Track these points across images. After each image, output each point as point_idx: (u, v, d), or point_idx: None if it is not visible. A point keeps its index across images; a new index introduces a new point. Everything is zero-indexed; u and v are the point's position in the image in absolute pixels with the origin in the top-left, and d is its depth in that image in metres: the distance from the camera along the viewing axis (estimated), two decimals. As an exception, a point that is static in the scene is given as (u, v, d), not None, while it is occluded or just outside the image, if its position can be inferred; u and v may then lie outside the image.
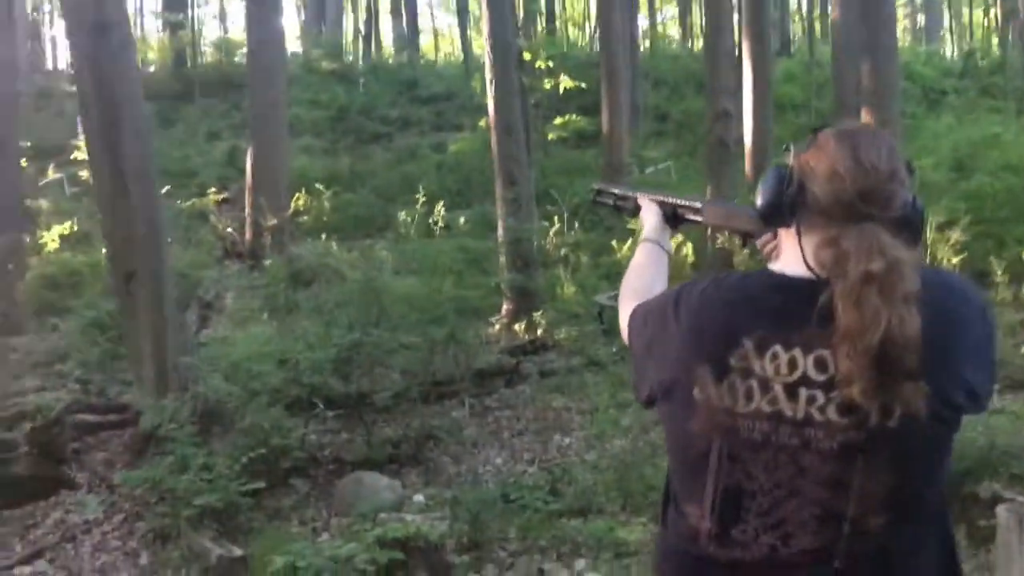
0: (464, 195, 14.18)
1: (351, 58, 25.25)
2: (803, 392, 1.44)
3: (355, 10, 29.64)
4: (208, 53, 25.50)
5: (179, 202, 14.73)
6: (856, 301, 1.37)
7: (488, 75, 8.96)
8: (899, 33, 25.70)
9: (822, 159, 1.50)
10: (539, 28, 21.92)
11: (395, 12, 27.73)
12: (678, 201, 2.08)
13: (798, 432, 1.45)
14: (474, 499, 5.24)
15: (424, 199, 12.38)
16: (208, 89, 20.84)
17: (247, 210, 12.46)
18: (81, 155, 14.65)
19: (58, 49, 29.11)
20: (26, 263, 10.18)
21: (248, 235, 12.40)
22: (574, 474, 5.81)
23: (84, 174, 14.74)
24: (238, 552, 4.94)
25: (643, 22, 26.60)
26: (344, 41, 26.75)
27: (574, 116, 14.10)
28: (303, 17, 28.66)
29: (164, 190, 14.78)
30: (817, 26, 22.84)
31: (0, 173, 10.61)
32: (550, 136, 14.60)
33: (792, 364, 1.45)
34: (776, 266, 1.59)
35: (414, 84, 22.09)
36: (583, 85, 13.54)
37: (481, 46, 16.07)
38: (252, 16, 12.53)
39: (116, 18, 5.49)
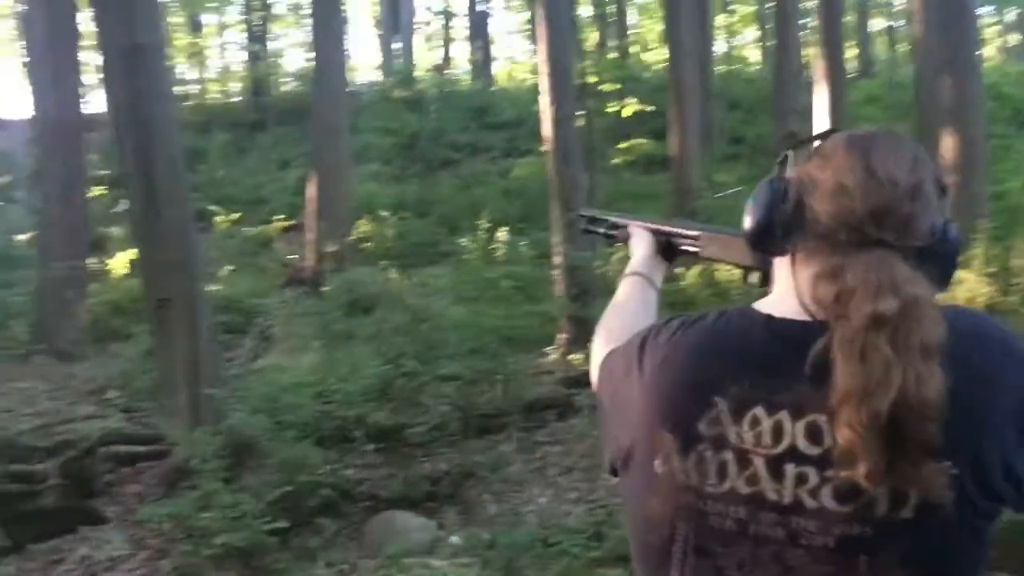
0: (529, 220, 13.94)
1: (425, 85, 25.35)
2: (791, 469, 1.12)
3: (426, 41, 29.89)
4: (288, 83, 25.98)
5: (245, 229, 14.90)
6: (861, 352, 1.05)
7: (545, 98, 8.69)
8: (989, 52, 24.71)
9: (827, 170, 1.19)
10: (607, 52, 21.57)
11: (470, 39, 27.80)
12: (673, 229, 1.75)
13: (783, 521, 1.12)
14: (509, 544, 4.91)
15: (487, 225, 12.18)
16: (283, 117, 21.13)
17: (309, 236, 12.45)
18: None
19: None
20: (86, 291, 10.22)
21: (310, 261, 12.37)
22: (620, 517, 5.44)
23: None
24: (258, 595, 4.72)
25: (723, 45, 26.26)
26: (418, 69, 26.92)
27: (641, 140, 13.74)
28: (380, 46, 29.00)
29: (234, 217, 15.13)
30: (900, 47, 22.09)
31: (68, 202, 10.76)
32: (616, 160, 14.26)
33: (777, 432, 1.12)
34: (764, 304, 1.25)
35: (485, 111, 22.03)
36: (649, 108, 13.17)
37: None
38: (317, 43, 12.55)
39: (150, 41, 5.39)
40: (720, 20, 25.77)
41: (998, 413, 1.10)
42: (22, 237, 13.70)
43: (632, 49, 24.87)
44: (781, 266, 1.26)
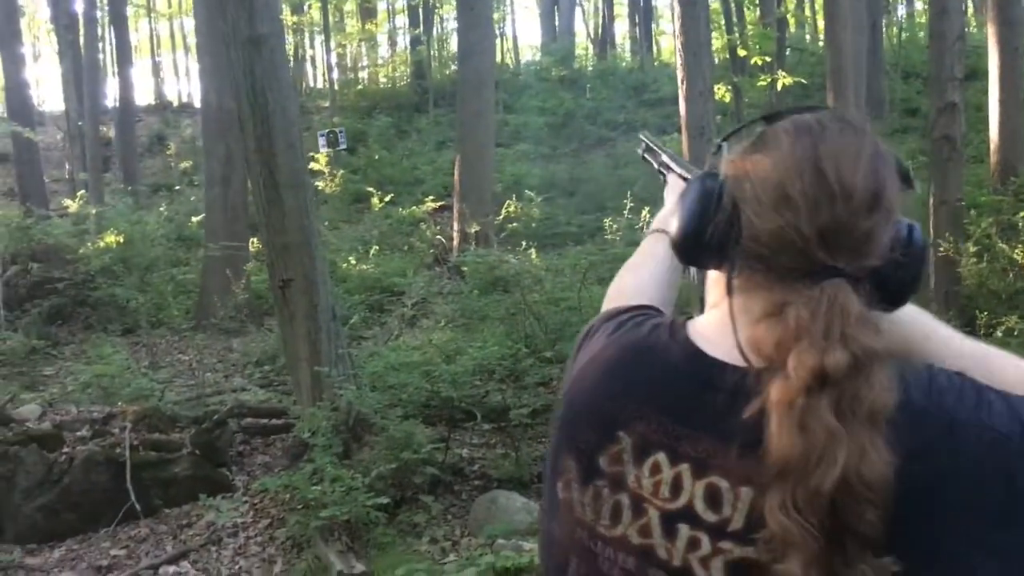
0: (679, 200, 13.59)
1: (582, 64, 25.23)
2: (684, 530, 0.95)
3: (587, 19, 29.67)
4: (449, 66, 26.50)
5: (400, 209, 15.30)
6: (800, 417, 0.86)
7: (679, 74, 8.45)
8: None
9: (767, 169, 0.97)
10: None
11: (630, 17, 27.42)
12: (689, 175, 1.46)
13: None
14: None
15: (632, 205, 11.99)
16: (443, 99, 21.55)
17: (455, 217, 12.67)
18: (316, 166, 15.65)
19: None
20: (244, 269, 10.82)
21: (455, 242, 12.59)
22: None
23: (320, 184, 15.69)
24: (359, 568, 4.86)
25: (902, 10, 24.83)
26: (577, 48, 26.82)
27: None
28: (541, 25, 29.07)
29: (388, 197, 15.57)
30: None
31: (228, 185, 11.40)
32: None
33: (676, 486, 0.96)
34: (700, 329, 1.05)
35: (643, 88, 21.69)
36: (806, 81, 12.57)
37: (720, 47, 15.56)
38: (461, 24, 12.68)
39: (269, 31, 5.61)
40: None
41: (972, 499, 0.88)
42: (196, 219, 14.63)
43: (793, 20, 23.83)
44: (717, 283, 1.06)
